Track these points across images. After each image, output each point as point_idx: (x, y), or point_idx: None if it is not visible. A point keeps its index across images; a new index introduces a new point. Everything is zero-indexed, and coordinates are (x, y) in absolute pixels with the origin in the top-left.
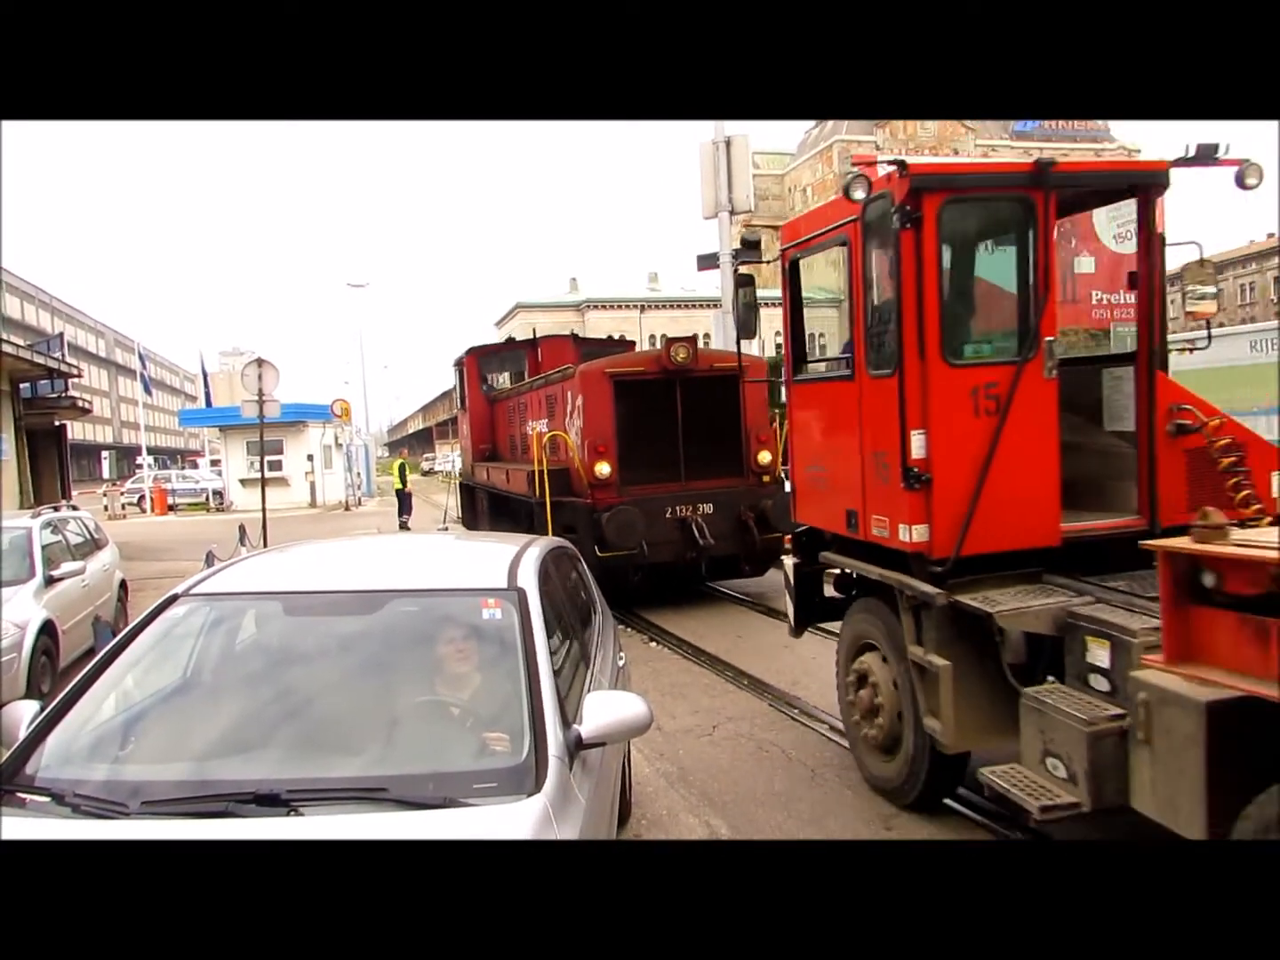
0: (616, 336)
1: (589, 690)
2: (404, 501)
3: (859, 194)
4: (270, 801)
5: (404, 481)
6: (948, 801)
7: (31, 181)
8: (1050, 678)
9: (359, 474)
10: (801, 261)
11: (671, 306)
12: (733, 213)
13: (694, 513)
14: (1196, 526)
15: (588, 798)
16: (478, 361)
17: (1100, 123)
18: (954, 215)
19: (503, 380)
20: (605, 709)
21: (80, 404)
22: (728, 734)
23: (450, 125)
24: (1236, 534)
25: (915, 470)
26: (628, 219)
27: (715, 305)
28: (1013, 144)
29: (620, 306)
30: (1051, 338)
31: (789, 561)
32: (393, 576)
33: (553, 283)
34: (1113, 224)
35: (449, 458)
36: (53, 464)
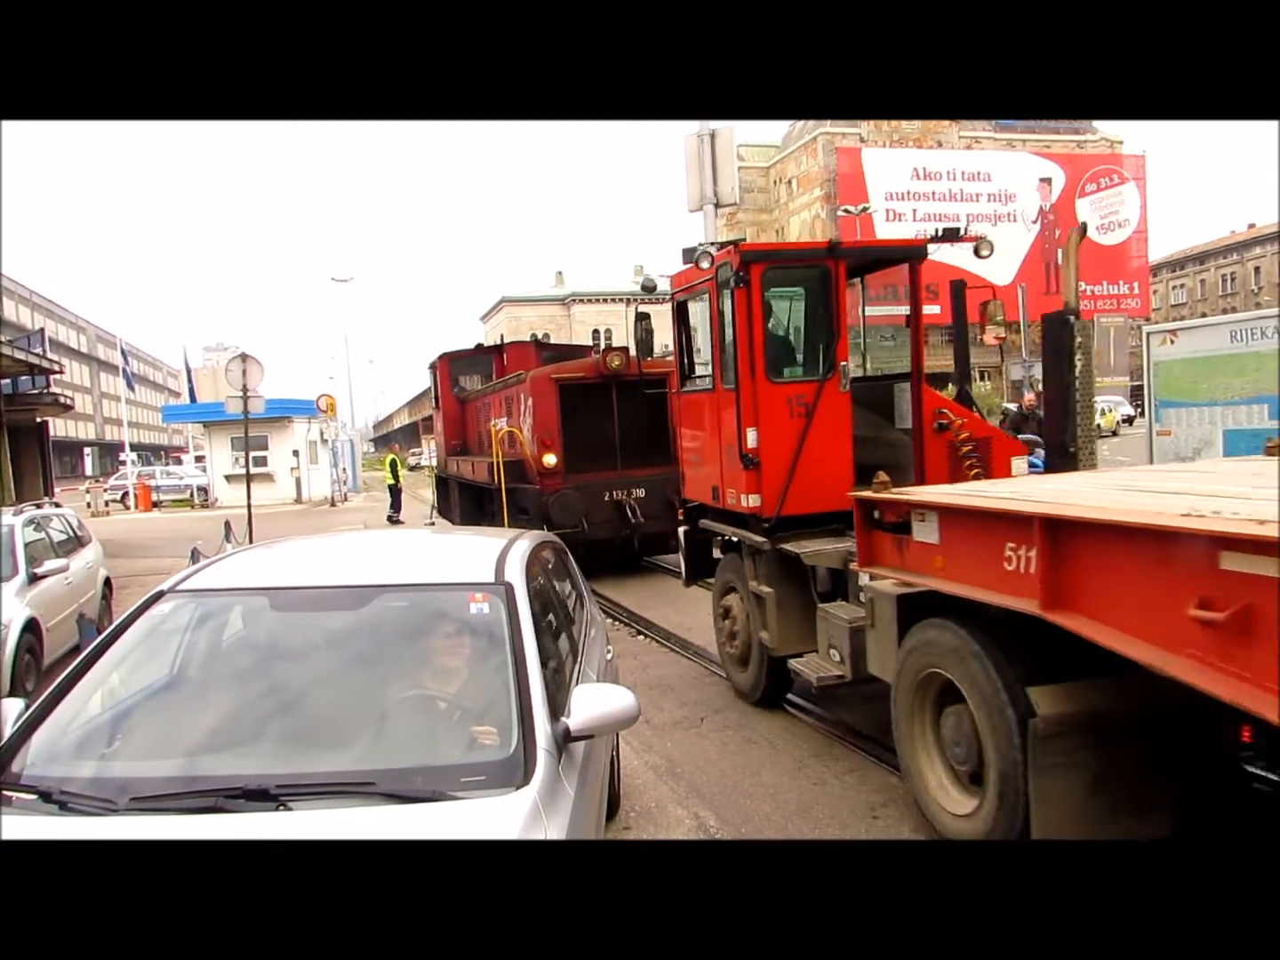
0: (603, 330)
1: (577, 683)
2: (396, 497)
3: (705, 264)
4: (258, 796)
5: (396, 476)
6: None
7: (9, 174)
8: (841, 600)
9: (345, 469)
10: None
11: (657, 300)
12: (718, 205)
13: (628, 496)
14: (875, 484)
15: (576, 790)
16: (449, 365)
17: None
18: (773, 277)
19: (473, 382)
20: (593, 702)
21: (62, 400)
22: (715, 726)
23: (435, 122)
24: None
25: (749, 456)
26: (613, 213)
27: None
28: (995, 135)
29: (606, 300)
30: (845, 362)
31: (681, 529)
32: (380, 571)
33: (538, 277)
34: (1095, 215)
35: (434, 452)
36: (35, 461)
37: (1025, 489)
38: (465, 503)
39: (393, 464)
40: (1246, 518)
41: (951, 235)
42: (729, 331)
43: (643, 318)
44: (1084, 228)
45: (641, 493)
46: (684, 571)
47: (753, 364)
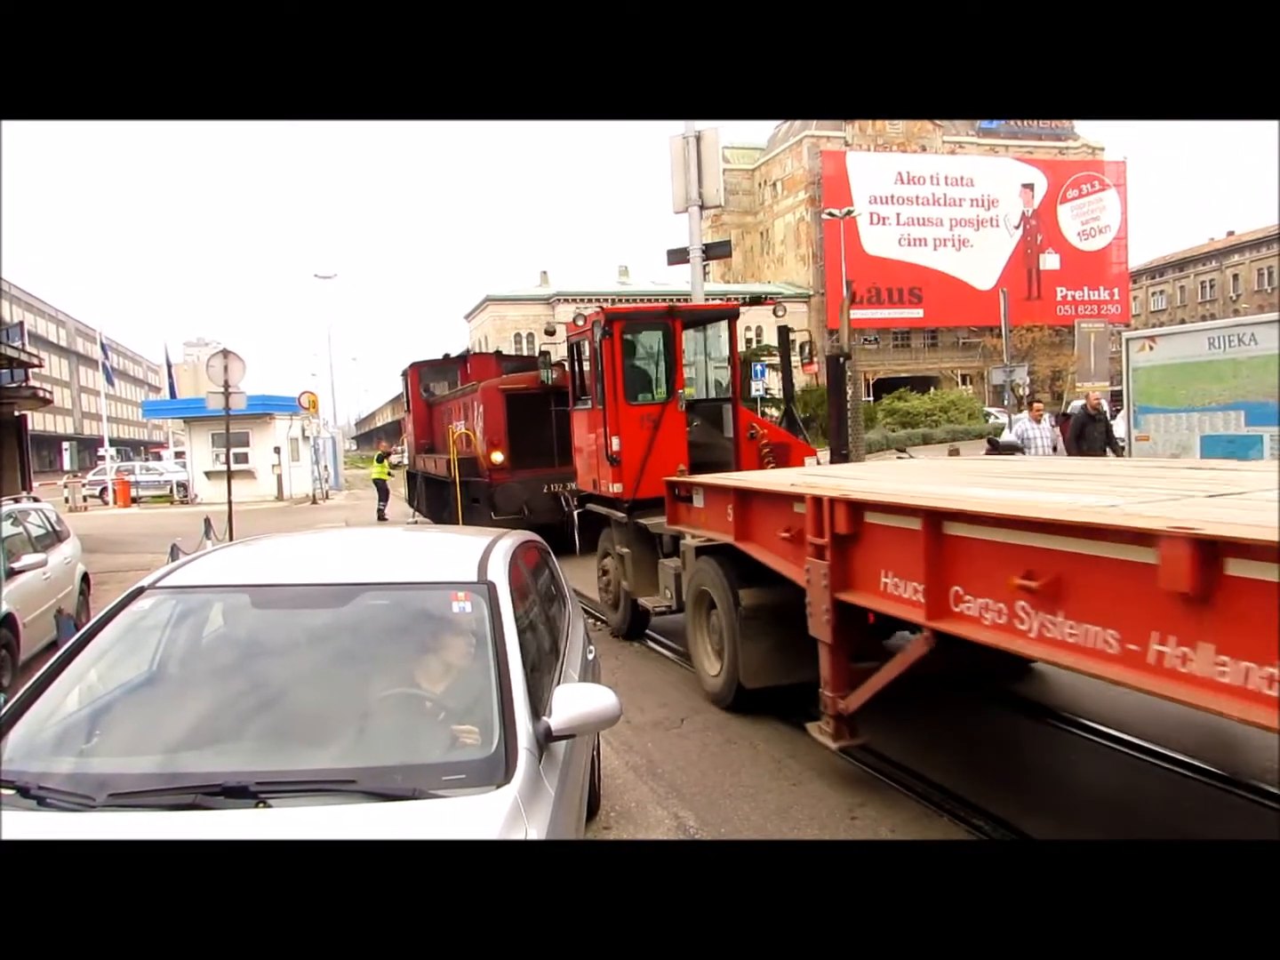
0: None
1: (559, 683)
2: (383, 493)
3: (580, 322)
4: (238, 794)
5: (384, 472)
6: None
7: None
8: (674, 556)
9: (326, 467)
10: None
11: (642, 301)
12: (703, 207)
13: (564, 489)
14: (679, 471)
15: (557, 789)
16: (419, 373)
17: (1065, 121)
18: (629, 330)
19: (441, 388)
20: (575, 701)
21: (41, 394)
22: (696, 726)
23: (421, 121)
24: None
25: (614, 456)
26: (599, 213)
27: (685, 299)
28: (979, 140)
29: (590, 300)
30: (681, 390)
31: (575, 512)
32: (362, 569)
33: (523, 275)
34: (1076, 221)
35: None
36: (13, 455)
37: (753, 476)
38: (430, 495)
39: (380, 458)
40: (807, 485)
41: (757, 299)
42: (600, 368)
43: (545, 354)
44: (852, 295)
45: (575, 486)
46: (576, 543)
47: (615, 391)
